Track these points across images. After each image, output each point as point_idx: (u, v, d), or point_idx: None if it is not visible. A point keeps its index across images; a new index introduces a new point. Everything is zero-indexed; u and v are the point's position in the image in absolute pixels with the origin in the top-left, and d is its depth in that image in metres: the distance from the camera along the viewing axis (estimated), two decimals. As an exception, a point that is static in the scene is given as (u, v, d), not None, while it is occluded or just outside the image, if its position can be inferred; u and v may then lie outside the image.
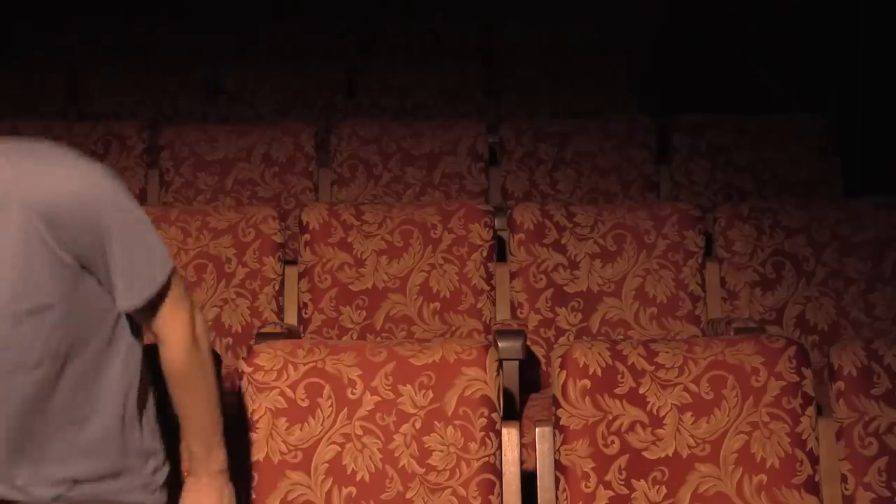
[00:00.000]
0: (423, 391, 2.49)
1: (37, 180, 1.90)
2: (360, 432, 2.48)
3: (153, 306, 2.05)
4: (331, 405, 2.49)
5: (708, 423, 2.48)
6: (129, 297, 2.02)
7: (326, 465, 2.47)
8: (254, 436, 2.48)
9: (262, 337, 3.07)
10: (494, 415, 2.49)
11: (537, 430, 2.55)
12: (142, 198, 4.30)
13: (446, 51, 6.18)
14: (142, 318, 2.09)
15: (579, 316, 3.40)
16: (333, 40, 6.38)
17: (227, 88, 5.58)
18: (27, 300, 1.92)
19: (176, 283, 2.07)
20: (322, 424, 2.48)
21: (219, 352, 3.21)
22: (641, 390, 2.50)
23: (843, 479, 2.51)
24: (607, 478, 2.46)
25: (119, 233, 1.97)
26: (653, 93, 5.61)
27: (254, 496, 2.46)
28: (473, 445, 2.47)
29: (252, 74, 5.62)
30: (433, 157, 4.33)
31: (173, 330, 2.08)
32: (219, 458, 2.20)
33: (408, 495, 2.46)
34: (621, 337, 3.32)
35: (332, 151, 4.37)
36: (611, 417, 2.49)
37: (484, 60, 5.93)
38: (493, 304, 3.44)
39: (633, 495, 2.46)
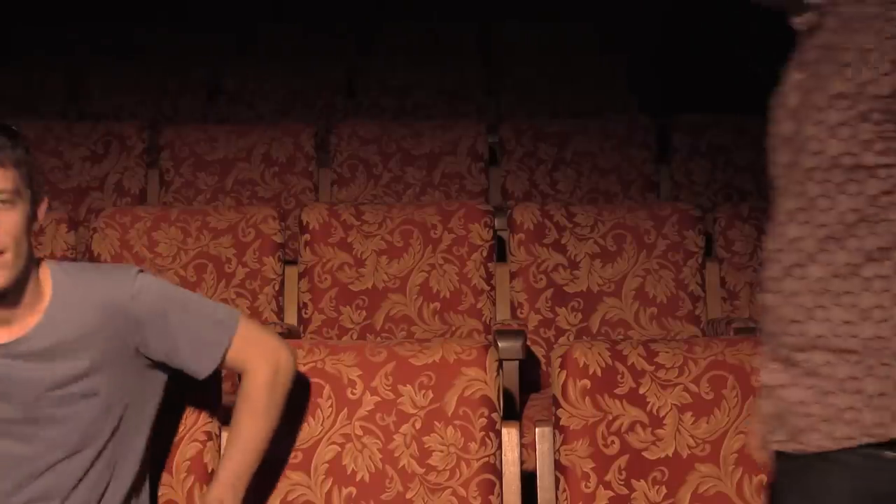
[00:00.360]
0: (422, 391, 2.49)
1: (97, 286, 2.22)
2: (360, 432, 2.48)
3: (233, 358, 2.27)
4: (331, 405, 2.49)
5: (708, 423, 2.48)
6: (204, 364, 2.26)
7: (326, 465, 2.47)
8: (254, 436, 2.48)
9: (262, 337, 3.06)
10: (494, 415, 2.48)
11: (537, 430, 2.55)
12: (141, 198, 4.30)
13: (446, 51, 6.18)
14: (229, 370, 2.32)
15: (579, 316, 3.40)
16: (333, 40, 6.38)
17: (226, 88, 5.59)
18: (80, 385, 2.18)
19: (248, 326, 2.30)
20: (322, 424, 2.48)
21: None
22: (641, 390, 2.50)
23: (843, 479, 2.50)
24: (607, 478, 2.46)
25: (179, 314, 2.24)
26: (653, 93, 5.61)
27: (254, 497, 2.45)
28: (473, 445, 2.46)
29: (252, 75, 5.62)
30: (433, 157, 4.33)
31: (254, 367, 2.28)
32: (238, 496, 2.27)
33: (408, 495, 2.45)
34: (621, 337, 3.32)
35: (332, 151, 4.37)
36: (611, 417, 2.49)
37: (483, 60, 5.93)
38: (493, 304, 3.44)
39: (633, 495, 2.45)
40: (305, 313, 3.42)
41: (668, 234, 3.47)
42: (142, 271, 2.26)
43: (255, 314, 3.39)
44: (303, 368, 2.50)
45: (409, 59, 5.89)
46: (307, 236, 3.46)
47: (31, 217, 2.17)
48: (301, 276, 3.45)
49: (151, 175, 4.35)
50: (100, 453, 2.22)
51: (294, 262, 3.55)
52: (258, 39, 6.46)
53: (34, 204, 2.18)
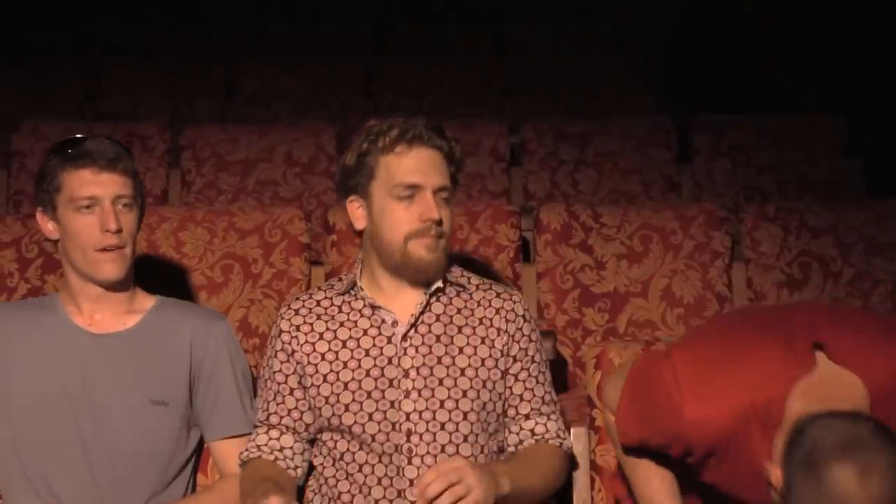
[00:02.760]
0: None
1: (190, 315, 2.52)
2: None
3: (228, 451, 2.49)
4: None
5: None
6: (218, 430, 2.50)
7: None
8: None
9: (291, 337, 3.05)
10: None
11: (572, 430, 2.54)
12: (164, 198, 4.30)
13: (462, 51, 6.16)
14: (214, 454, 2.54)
15: (606, 316, 3.38)
16: (349, 40, 6.36)
17: (243, 89, 5.57)
18: (153, 393, 2.42)
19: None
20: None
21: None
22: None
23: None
24: (643, 478, 2.45)
25: (230, 372, 2.51)
26: (671, 93, 5.59)
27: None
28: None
29: (268, 75, 5.61)
30: (455, 157, 4.30)
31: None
32: None
33: (443, 496, 2.44)
34: (648, 338, 3.31)
35: (354, 152, 4.34)
36: (646, 418, 2.48)
37: (500, 60, 5.92)
38: (520, 304, 3.41)
39: (668, 496, 2.44)
40: (331, 314, 3.40)
41: (694, 235, 3.45)
42: (223, 319, 2.56)
43: (281, 314, 3.38)
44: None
45: (425, 58, 5.87)
46: (334, 237, 3.44)
47: (140, 221, 2.49)
48: (327, 276, 3.44)
49: (173, 175, 4.35)
50: (165, 452, 2.43)
51: (318, 263, 3.54)
52: (273, 40, 6.45)
53: (142, 211, 2.50)
